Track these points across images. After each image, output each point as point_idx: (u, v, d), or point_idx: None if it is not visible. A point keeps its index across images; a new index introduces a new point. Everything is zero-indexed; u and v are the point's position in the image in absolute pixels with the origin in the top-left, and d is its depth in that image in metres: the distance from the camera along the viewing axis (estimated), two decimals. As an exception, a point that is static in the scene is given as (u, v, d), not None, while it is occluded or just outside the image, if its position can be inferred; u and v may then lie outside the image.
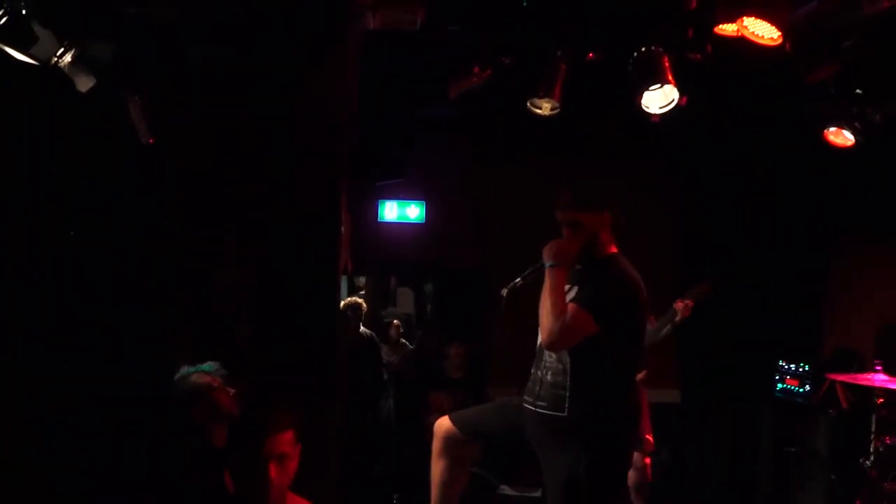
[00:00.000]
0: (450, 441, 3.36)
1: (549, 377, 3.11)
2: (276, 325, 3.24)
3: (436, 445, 3.42)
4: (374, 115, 5.88)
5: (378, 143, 6.39)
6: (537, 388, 3.14)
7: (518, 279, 3.17)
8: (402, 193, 7.30)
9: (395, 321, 7.81)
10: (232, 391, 3.18)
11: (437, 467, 3.42)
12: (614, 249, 3.17)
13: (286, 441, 2.92)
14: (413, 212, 7.35)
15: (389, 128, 6.27)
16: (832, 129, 4.88)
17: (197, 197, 3.43)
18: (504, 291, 3.14)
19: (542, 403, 3.11)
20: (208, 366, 3.14)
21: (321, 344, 3.29)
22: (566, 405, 3.03)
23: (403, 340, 7.74)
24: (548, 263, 3.05)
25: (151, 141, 4.39)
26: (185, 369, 3.17)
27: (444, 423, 3.42)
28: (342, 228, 3.37)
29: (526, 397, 3.19)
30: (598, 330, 2.96)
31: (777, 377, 5.72)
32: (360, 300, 7.15)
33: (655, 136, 6.42)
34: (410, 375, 6.81)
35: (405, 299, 10.08)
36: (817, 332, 6.57)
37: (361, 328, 7.03)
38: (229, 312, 3.38)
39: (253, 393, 3.36)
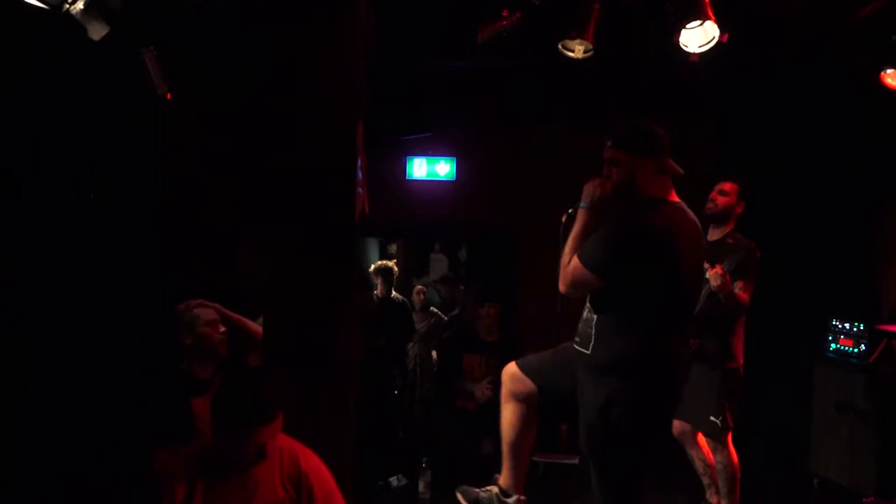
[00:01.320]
0: (516, 384, 3.47)
1: (585, 313, 3.24)
2: (288, 273, 3.26)
3: (504, 390, 3.55)
4: (398, 65, 6.11)
5: (404, 96, 6.55)
6: (579, 324, 3.27)
7: (570, 209, 3.26)
8: (432, 149, 7.40)
9: (417, 286, 7.98)
10: (223, 329, 3.58)
11: (506, 412, 3.54)
12: (663, 195, 3.15)
13: (266, 433, 2.86)
14: (443, 169, 7.44)
15: (416, 79, 6.40)
16: (889, 70, 4.94)
17: (205, 143, 3.56)
18: (564, 217, 3.25)
19: (577, 339, 3.24)
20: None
21: (337, 291, 3.28)
22: (591, 343, 3.14)
23: (433, 309, 7.91)
24: (581, 203, 3.17)
25: (169, 95, 4.60)
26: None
27: (510, 368, 3.54)
28: (359, 172, 3.50)
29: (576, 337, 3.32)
30: (606, 283, 3.05)
31: (830, 337, 5.81)
32: (390, 263, 7.31)
33: (695, 88, 6.60)
34: (440, 343, 6.97)
35: (439, 266, 10.30)
36: (874, 288, 6.62)
37: (393, 293, 7.23)
38: (239, 259, 3.50)
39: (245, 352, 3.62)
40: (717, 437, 4.54)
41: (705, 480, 4.79)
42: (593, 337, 3.13)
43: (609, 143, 3.15)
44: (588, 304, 3.23)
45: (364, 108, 3.40)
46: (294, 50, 3.27)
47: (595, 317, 3.16)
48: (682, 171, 3.20)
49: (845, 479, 5.52)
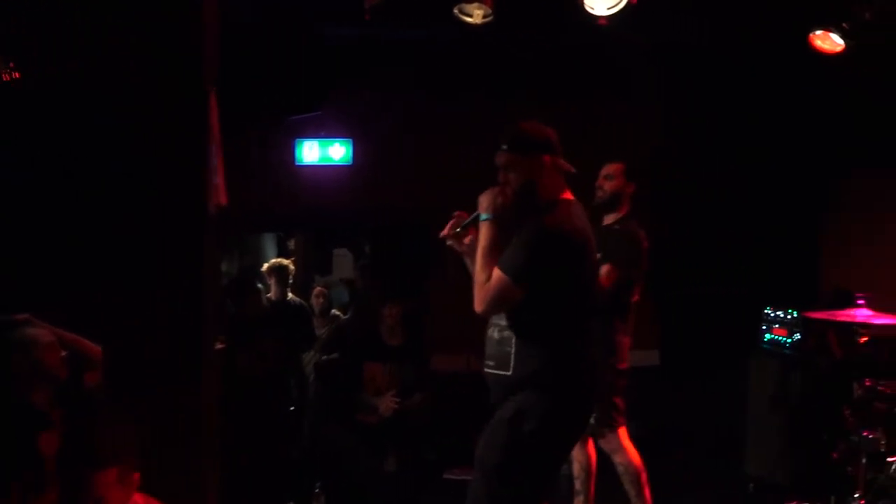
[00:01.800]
0: None
1: (496, 334, 3.34)
2: (119, 282, 3.16)
3: None
4: (280, 33, 5.98)
5: (288, 69, 6.43)
6: (488, 347, 3.38)
7: (460, 228, 3.38)
8: (325, 131, 7.33)
9: (317, 288, 7.89)
10: (63, 353, 3.34)
11: None
12: (559, 195, 3.34)
13: (104, 483, 2.73)
14: (337, 152, 7.36)
15: (302, 50, 6.28)
16: (818, 31, 5.03)
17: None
18: (444, 234, 3.39)
19: (490, 363, 3.35)
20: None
21: (185, 300, 3.19)
22: (511, 363, 3.25)
23: (336, 311, 7.82)
24: (481, 215, 3.28)
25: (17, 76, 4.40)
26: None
27: None
28: (213, 158, 3.37)
29: (484, 361, 3.43)
30: (527, 293, 3.17)
31: (764, 327, 5.91)
32: (285, 261, 7.21)
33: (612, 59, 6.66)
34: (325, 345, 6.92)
35: (344, 263, 10.18)
36: (814, 275, 6.81)
37: (290, 295, 7.11)
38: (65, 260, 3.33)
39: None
40: (601, 436, 4.64)
41: (577, 485, 4.84)
42: (513, 356, 3.25)
43: (503, 148, 3.28)
44: (496, 323, 3.33)
45: (213, 79, 3.26)
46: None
47: (513, 334, 3.27)
48: (573, 168, 3.38)
49: (782, 478, 5.61)
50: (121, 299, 3.14)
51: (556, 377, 3.23)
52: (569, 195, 3.39)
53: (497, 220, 3.26)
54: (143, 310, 3.14)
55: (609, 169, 4.79)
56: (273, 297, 7.11)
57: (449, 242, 3.43)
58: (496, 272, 3.17)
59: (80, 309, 3.26)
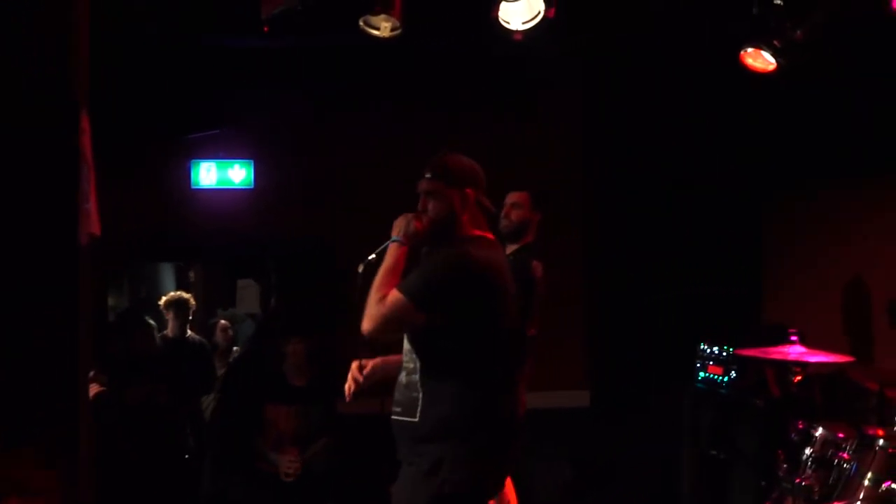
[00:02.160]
0: None
1: (403, 378, 3.38)
2: None
3: None
4: (173, 44, 5.91)
5: (184, 83, 6.38)
6: (396, 392, 3.42)
7: (373, 255, 3.42)
8: (224, 151, 7.28)
9: (221, 321, 7.78)
10: None
11: None
12: (476, 231, 3.44)
13: None
14: (238, 174, 7.35)
15: (196, 63, 6.27)
16: (749, 49, 5.13)
17: None
18: (360, 267, 3.39)
19: (397, 409, 3.38)
20: None
21: (56, 353, 3.08)
22: (419, 408, 3.28)
23: (237, 348, 7.73)
24: (393, 238, 3.36)
25: None
26: None
27: None
28: (84, 183, 3.29)
29: (392, 406, 3.46)
30: (428, 319, 3.22)
31: (698, 364, 5.96)
32: (186, 295, 7.14)
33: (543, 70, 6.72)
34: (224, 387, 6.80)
35: (249, 295, 10.07)
36: (752, 307, 6.91)
37: (189, 332, 7.05)
38: None
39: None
40: None
41: None
42: (420, 401, 3.28)
43: (427, 175, 3.40)
44: (405, 366, 3.38)
45: (84, 97, 3.18)
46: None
47: (419, 377, 3.30)
48: (493, 208, 3.55)
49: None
50: None
51: (467, 424, 3.24)
52: (489, 234, 3.50)
53: (407, 246, 3.34)
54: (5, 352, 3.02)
55: (515, 197, 4.92)
56: (170, 334, 7.04)
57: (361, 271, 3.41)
58: (394, 292, 3.22)
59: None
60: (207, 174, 7.31)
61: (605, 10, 5.54)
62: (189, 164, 7.28)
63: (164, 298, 7.17)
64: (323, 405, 5.92)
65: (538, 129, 7.36)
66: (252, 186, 7.36)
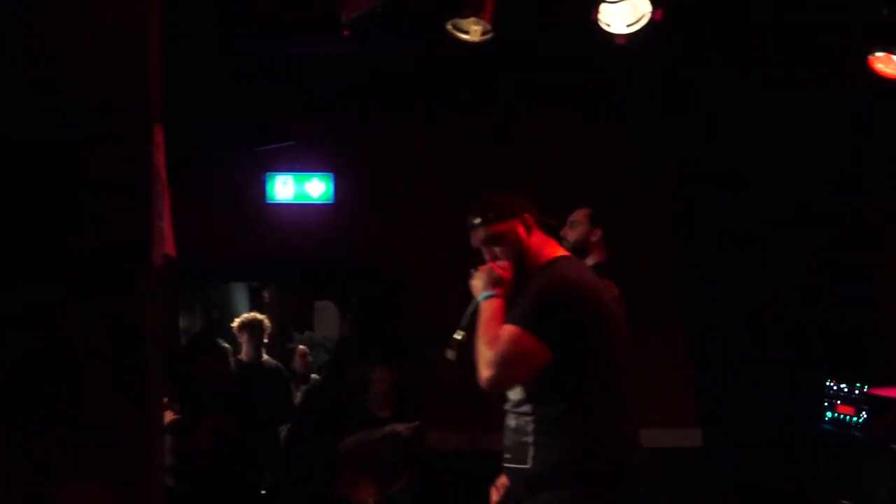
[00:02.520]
0: None
1: (512, 422, 3.35)
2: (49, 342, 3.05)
3: None
4: (247, 52, 5.99)
5: (260, 91, 6.47)
6: (505, 438, 3.38)
7: (458, 333, 3.40)
8: (301, 163, 7.30)
9: (299, 346, 7.82)
10: None
11: None
12: (554, 253, 3.43)
13: None
14: (316, 188, 7.35)
15: (270, 72, 6.37)
16: (879, 54, 4.99)
17: None
18: (450, 353, 3.38)
19: (507, 456, 3.35)
20: None
21: (125, 380, 3.09)
22: (530, 454, 3.24)
23: (315, 376, 7.77)
24: (482, 296, 3.35)
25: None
26: None
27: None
28: (159, 204, 3.33)
29: (503, 453, 3.43)
30: (545, 350, 3.16)
31: (826, 404, 5.80)
32: (260, 316, 7.15)
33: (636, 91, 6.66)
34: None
35: (327, 318, 10.14)
36: (878, 342, 6.68)
37: (264, 356, 7.06)
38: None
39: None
40: None
41: None
42: (532, 446, 3.24)
43: (477, 222, 3.41)
44: (513, 410, 3.34)
45: (158, 111, 3.21)
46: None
47: (531, 420, 3.26)
48: (555, 221, 3.60)
49: None
50: (47, 365, 3.05)
51: (582, 470, 3.20)
52: (564, 252, 3.50)
53: (500, 297, 3.32)
54: (74, 378, 3.05)
55: (575, 215, 4.96)
56: (244, 359, 7.05)
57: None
58: (506, 327, 3.19)
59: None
60: (284, 188, 7.33)
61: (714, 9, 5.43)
62: (264, 177, 7.32)
63: (237, 320, 7.18)
64: (406, 439, 5.89)
65: (625, 137, 7.28)
66: (331, 201, 7.37)
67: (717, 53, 6.42)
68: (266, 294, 10.03)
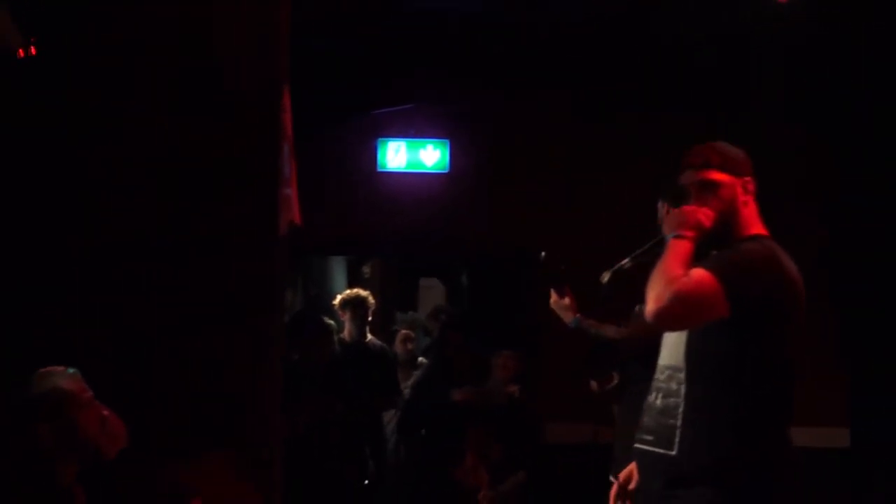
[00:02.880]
0: None
1: (659, 401, 3.28)
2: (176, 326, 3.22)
3: None
4: (361, 6, 5.97)
5: (373, 50, 6.41)
6: (645, 417, 3.33)
7: (627, 259, 3.35)
8: (416, 129, 7.30)
9: (402, 331, 7.81)
10: (105, 413, 3.33)
11: None
12: (763, 231, 3.35)
13: None
14: (431, 156, 7.37)
15: (390, 27, 6.28)
16: None
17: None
18: (605, 276, 3.36)
19: (647, 437, 3.29)
20: (73, 370, 3.27)
21: (258, 356, 3.26)
22: (676, 440, 3.16)
23: (422, 359, 7.75)
24: (672, 234, 3.26)
25: (32, 52, 4.53)
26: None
27: None
28: (285, 165, 3.41)
29: (636, 433, 3.38)
30: (730, 316, 3.09)
31: None
32: (364, 293, 7.09)
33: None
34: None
35: (432, 297, 10.14)
36: None
37: (369, 337, 7.06)
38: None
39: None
40: None
41: None
42: (679, 431, 3.16)
43: (702, 164, 3.32)
44: (661, 387, 3.30)
45: (286, 74, 3.27)
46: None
47: (682, 401, 3.20)
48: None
49: None
50: (174, 338, 3.22)
51: (737, 469, 3.10)
52: (763, 230, 3.39)
53: (692, 242, 3.22)
54: (200, 351, 3.22)
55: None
56: (347, 338, 7.03)
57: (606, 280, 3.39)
58: (699, 270, 3.11)
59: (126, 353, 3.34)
60: (396, 155, 7.36)
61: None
62: (375, 143, 7.34)
63: (339, 297, 7.15)
64: (526, 430, 6.06)
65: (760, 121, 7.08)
66: (447, 170, 7.38)
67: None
68: (366, 269, 10.01)
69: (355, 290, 7.13)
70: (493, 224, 7.32)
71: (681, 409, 3.18)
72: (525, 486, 5.94)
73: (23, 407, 3.27)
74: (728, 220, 3.29)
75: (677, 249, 3.20)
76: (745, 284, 3.10)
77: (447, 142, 7.37)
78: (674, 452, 3.16)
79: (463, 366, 6.49)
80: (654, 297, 3.10)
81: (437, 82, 7.04)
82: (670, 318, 3.14)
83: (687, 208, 3.28)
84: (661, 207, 4.04)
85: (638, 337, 4.56)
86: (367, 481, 6.45)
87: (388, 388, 7.00)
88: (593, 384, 5.08)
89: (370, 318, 7.08)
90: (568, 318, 4.76)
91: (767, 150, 6.94)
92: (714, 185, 3.30)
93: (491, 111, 7.34)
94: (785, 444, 3.17)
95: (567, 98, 7.20)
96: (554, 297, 4.73)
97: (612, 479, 4.31)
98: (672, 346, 3.27)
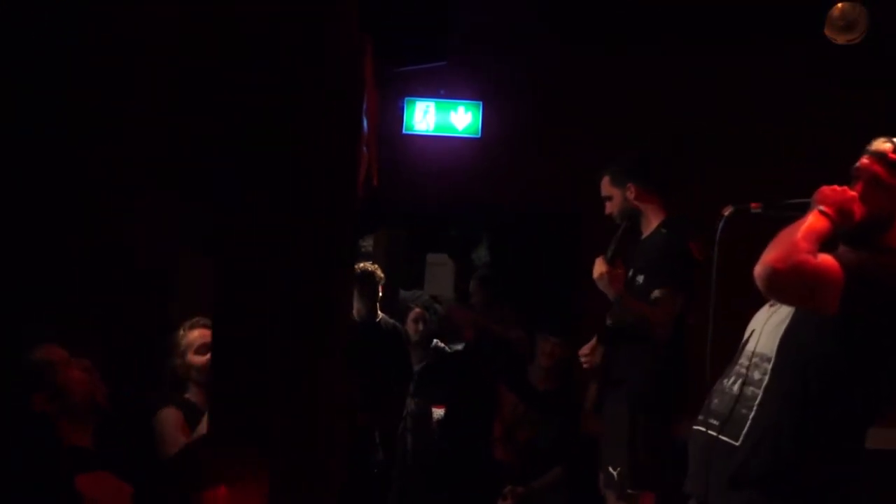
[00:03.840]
0: None
1: (735, 387, 3.23)
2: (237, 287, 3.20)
3: None
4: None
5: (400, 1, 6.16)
6: (716, 398, 3.29)
7: (760, 205, 3.31)
8: (446, 89, 7.25)
9: (416, 309, 7.61)
10: (85, 366, 3.68)
11: None
12: None
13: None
14: (461, 119, 7.35)
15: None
16: None
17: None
18: (727, 210, 3.31)
19: (713, 422, 3.25)
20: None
21: (322, 308, 3.19)
22: (744, 431, 3.12)
23: (439, 343, 7.52)
24: (819, 208, 3.16)
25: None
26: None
27: None
28: (364, 119, 3.36)
29: (699, 416, 3.34)
30: (836, 317, 3.03)
31: None
32: (372, 267, 6.95)
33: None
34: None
35: (441, 274, 9.93)
36: None
37: (380, 315, 6.91)
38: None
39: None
40: (615, 493, 4.84)
41: None
42: (750, 421, 3.14)
43: (878, 151, 3.24)
44: (743, 372, 3.25)
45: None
46: None
47: (760, 392, 3.16)
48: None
49: None
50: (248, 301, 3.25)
51: (800, 483, 3.06)
52: None
53: (834, 224, 3.12)
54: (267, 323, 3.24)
55: None
56: (356, 316, 6.80)
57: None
58: (830, 259, 3.03)
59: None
60: (424, 117, 7.38)
61: None
62: (402, 103, 7.35)
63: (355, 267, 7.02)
64: (564, 419, 6.08)
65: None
66: (478, 135, 7.37)
67: None
68: (368, 242, 9.80)
69: (363, 264, 6.96)
70: (527, 194, 7.26)
71: (757, 401, 3.15)
72: (561, 483, 5.98)
73: (17, 385, 3.65)
74: (878, 224, 3.23)
75: (816, 225, 3.11)
76: (867, 292, 3.04)
77: (480, 104, 7.38)
78: (737, 444, 3.14)
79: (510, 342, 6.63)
80: (772, 258, 3.01)
81: (471, 39, 6.85)
82: (779, 283, 3.04)
83: (850, 193, 3.19)
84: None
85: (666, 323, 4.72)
86: (375, 470, 6.45)
87: (402, 370, 6.89)
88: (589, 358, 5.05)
89: (380, 295, 6.93)
90: (614, 291, 4.72)
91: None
92: (879, 183, 3.21)
93: (527, 72, 7.24)
94: (855, 463, 3.16)
95: (608, 61, 7.12)
96: (604, 267, 4.71)
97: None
98: (767, 334, 3.21)
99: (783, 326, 3.16)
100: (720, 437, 3.20)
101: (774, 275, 3.02)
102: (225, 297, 3.27)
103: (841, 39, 5.46)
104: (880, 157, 3.23)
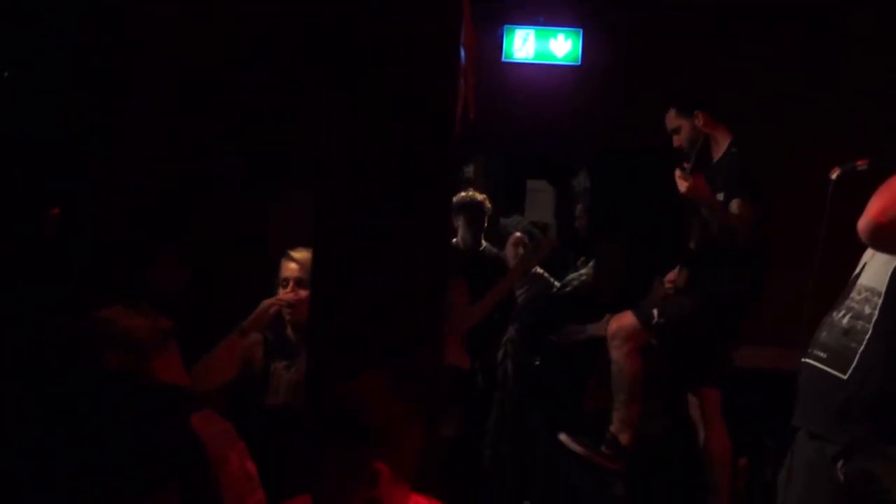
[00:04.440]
0: None
1: (844, 320, 3.23)
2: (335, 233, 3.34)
3: None
4: None
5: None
6: (825, 332, 3.28)
7: (865, 162, 3.24)
8: (546, 16, 7.27)
9: (516, 234, 7.58)
10: (144, 311, 3.45)
11: None
12: None
13: None
14: (561, 47, 7.35)
15: None
16: None
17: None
18: (835, 173, 3.26)
19: (821, 354, 3.25)
20: None
21: (423, 254, 3.34)
22: (852, 365, 3.12)
23: (540, 271, 7.56)
24: None
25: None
26: None
27: None
28: (461, 50, 3.31)
29: (808, 349, 3.33)
30: None
31: None
32: (480, 196, 6.93)
33: None
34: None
35: (542, 201, 9.92)
36: None
37: (484, 244, 6.92)
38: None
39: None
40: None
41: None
42: (859, 355, 3.14)
43: None
44: (853, 306, 3.25)
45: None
46: None
47: (871, 328, 3.16)
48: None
49: None
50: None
51: None
52: None
53: None
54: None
55: None
56: (462, 245, 6.84)
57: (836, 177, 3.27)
58: None
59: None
60: (523, 45, 7.36)
61: None
62: (501, 30, 7.36)
63: (452, 199, 7.00)
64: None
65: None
66: (578, 63, 7.35)
67: None
68: (469, 169, 9.78)
69: (471, 193, 6.88)
70: (628, 124, 7.15)
71: (868, 336, 3.14)
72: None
73: (83, 356, 3.40)
74: None
75: None
76: None
77: (580, 31, 7.35)
78: (845, 377, 3.15)
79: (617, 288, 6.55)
80: (877, 209, 3.01)
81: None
82: (883, 236, 3.06)
83: None
84: None
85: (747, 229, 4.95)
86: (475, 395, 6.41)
87: (506, 303, 6.81)
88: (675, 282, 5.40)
89: (485, 225, 6.92)
90: (706, 198, 5.02)
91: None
92: None
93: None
94: None
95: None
96: (690, 178, 4.98)
97: None
98: (877, 268, 3.20)
99: (894, 262, 3.15)
100: (826, 368, 3.22)
101: (878, 227, 3.02)
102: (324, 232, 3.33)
103: None
104: None
